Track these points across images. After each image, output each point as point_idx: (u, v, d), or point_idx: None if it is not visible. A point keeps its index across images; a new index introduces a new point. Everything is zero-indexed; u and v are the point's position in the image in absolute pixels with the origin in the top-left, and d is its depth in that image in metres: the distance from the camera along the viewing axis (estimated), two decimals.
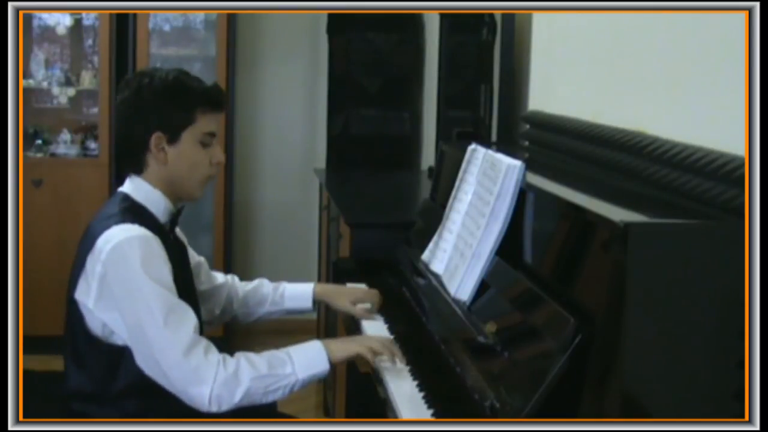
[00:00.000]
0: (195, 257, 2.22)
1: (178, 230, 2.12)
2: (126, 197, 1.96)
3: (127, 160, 1.99)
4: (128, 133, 1.97)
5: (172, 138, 1.94)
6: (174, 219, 2.02)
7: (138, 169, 1.97)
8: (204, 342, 1.85)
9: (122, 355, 1.87)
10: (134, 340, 1.84)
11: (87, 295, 1.88)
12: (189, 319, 1.85)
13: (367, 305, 2.32)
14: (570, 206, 1.68)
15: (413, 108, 4.47)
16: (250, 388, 1.82)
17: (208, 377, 1.80)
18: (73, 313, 1.91)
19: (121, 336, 1.87)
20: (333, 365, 1.92)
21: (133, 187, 1.98)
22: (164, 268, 1.87)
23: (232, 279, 2.33)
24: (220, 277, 2.31)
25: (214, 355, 1.84)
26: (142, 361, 1.85)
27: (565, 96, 2.63)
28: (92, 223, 1.93)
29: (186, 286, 2.00)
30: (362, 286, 2.45)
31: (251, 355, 1.87)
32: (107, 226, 1.87)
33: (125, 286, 1.83)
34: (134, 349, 1.85)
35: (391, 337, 2.12)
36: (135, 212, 1.92)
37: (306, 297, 2.31)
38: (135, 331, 1.83)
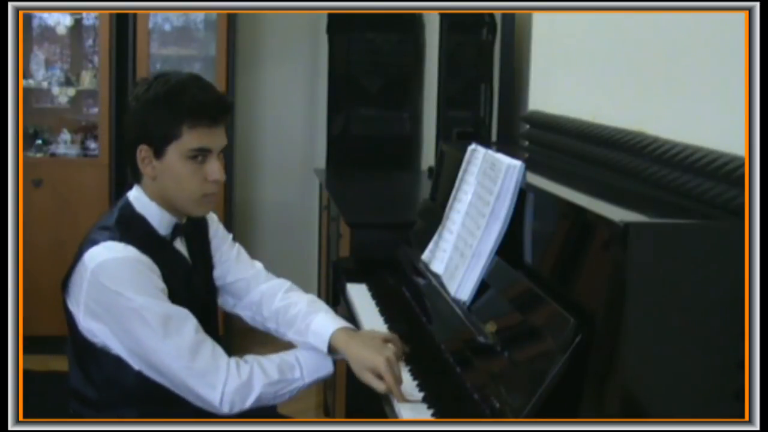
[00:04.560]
0: (225, 252, 2.17)
1: (213, 217, 2.10)
2: (128, 205, 1.92)
3: (128, 165, 1.94)
4: (125, 138, 1.92)
5: (158, 152, 1.85)
6: (176, 230, 1.95)
7: (136, 177, 1.92)
8: (209, 341, 1.83)
9: (120, 363, 1.84)
10: (136, 357, 1.82)
11: (77, 306, 1.85)
12: (188, 319, 1.83)
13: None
14: (570, 206, 1.68)
15: (413, 108, 4.47)
16: (261, 394, 1.84)
17: (218, 382, 1.80)
18: (70, 319, 1.89)
19: (114, 347, 1.84)
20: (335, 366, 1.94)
21: (135, 195, 1.93)
22: (152, 285, 1.82)
23: (281, 284, 2.16)
24: (252, 271, 2.23)
25: (223, 358, 1.83)
26: (147, 371, 1.83)
27: (565, 96, 2.63)
28: (90, 230, 1.90)
29: (191, 299, 1.92)
30: (383, 330, 2.22)
31: (263, 361, 1.87)
32: (96, 241, 1.83)
33: (110, 309, 1.80)
34: (139, 363, 1.82)
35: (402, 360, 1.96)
36: (131, 225, 1.88)
37: (323, 340, 1.93)
38: (135, 349, 1.81)
